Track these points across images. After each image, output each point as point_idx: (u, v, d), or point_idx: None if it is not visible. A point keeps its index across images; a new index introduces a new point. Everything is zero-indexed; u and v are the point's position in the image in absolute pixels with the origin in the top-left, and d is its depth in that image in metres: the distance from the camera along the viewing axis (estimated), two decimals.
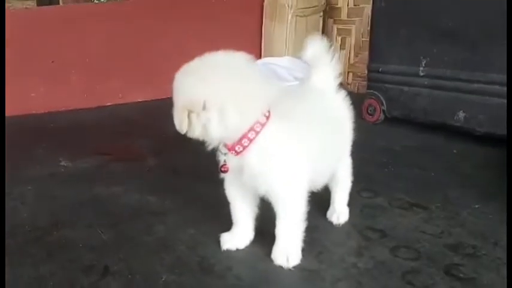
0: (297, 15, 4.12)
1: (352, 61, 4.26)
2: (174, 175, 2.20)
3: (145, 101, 3.92)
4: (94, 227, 1.66)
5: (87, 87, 3.76)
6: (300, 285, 1.34)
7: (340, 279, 1.34)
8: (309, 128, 1.38)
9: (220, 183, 1.46)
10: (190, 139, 1.29)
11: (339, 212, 1.68)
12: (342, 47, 4.30)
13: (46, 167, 2.32)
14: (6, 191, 1.77)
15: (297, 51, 3.66)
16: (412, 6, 2.82)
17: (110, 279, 1.34)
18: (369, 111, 3.11)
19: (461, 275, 1.36)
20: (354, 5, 4.17)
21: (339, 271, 1.38)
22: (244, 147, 1.29)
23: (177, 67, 1.29)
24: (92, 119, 3.42)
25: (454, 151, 2.53)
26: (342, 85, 1.63)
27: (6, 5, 3.47)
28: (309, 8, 4.17)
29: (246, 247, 1.50)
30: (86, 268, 1.40)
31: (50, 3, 4.40)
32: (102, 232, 1.63)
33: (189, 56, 1.30)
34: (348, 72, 4.28)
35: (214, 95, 1.21)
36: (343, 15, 4.27)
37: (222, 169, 1.37)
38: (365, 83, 3.30)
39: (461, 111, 2.64)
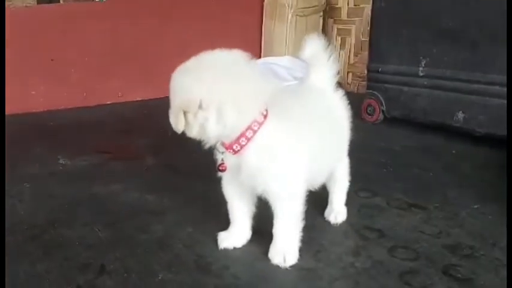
0: (297, 15, 4.12)
1: (351, 61, 4.25)
2: (173, 174, 2.20)
3: (145, 100, 3.92)
4: (91, 226, 1.66)
5: (86, 86, 3.76)
6: (297, 284, 1.33)
7: (338, 278, 1.34)
8: (307, 127, 1.38)
9: (219, 182, 1.46)
10: (189, 138, 1.29)
11: (337, 212, 1.68)
12: (342, 47, 4.30)
13: (45, 165, 2.31)
14: (5, 188, 1.76)
15: (296, 50, 3.65)
16: (412, 6, 2.82)
17: (106, 278, 1.33)
18: (368, 111, 3.11)
19: (459, 276, 1.35)
20: (354, 5, 4.16)
21: (336, 270, 1.37)
22: (242, 146, 1.28)
23: (176, 66, 1.29)
24: (92, 117, 3.42)
25: (453, 151, 2.53)
26: (341, 85, 1.63)
27: (7, 3, 3.47)
28: (309, 7, 4.16)
29: (244, 246, 1.50)
30: (83, 266, 1.39)
31: (50, 2, 4.39)
32: (99, 230, 1.62)
33: (189, 56, 1.30)
34: (348, 72, 4.28)
35: (211, 94, 1.20)
36: (343, 15, 4.26)
37: (220, 168, 1.36)
38: (365, 83, 3.30)
39: (461, 111, 2.64)
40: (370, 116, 3.10)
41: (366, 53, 3.39)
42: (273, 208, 1.38)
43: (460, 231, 1.62)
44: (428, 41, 2.75)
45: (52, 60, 3.60)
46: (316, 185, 1.51)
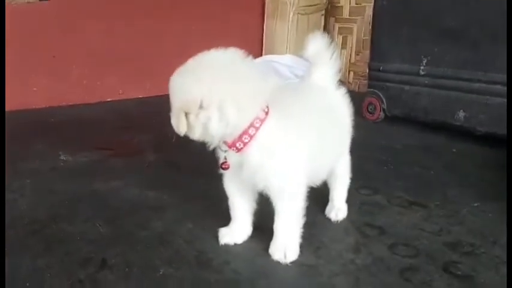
0: (298, 13, 4.12)
1: (353, 60, 4.26)
2: (174, 170, 2.20)
3: (146, 97, 3.92)
4: (92, 221, 1.66)
5: (88, 83, 3.76)
6: (297, 280, 1.34)
7: (338, 274, 1.34)
8: (308, 124, 1.38)
9: (219, 178, 1.46)
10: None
11: (338, 209, 1.68)
12: (343, 45, 4.30)
13: (46, 161, 2.31)
14: (6, 183, 1.76)
15: (298, 49, 3.67)
16: (413, 5, 2.82)
17: (107, 272, 1.34)
18: (369, 110, 3.11)
19: (459, 273, 1.36)
20: (356, 4, 4.17)
21: (336, 267, 1.38)
22: (245, 144, 1.29)
23: (177, 64, 1.29)
24: (92, 114, 3.42)
25: (454, 150, 2.54)
26: (342, 83, 1.63)
27: None
28: (311, 6, 4.17)
29: (244, 242, 1.50)
30: (84, 261, 1.39)
31: None
32: (100, 226, 1.62)
33: (190, 54, 1.30)
34: (349, 71, 4.29)
35: (211, 93, 1.20)
36: (345, 14, 4.27)
37: (223, 166, 1.37)
38: (366, 82, 3.31)
39: (462, 110, 2.64)
40: (371, 115, 3.11)
41: (367, 52, 3.40)
42: (274, 204, 1.38)
43: (461, 229, 1.63)
44: (429, 40, 2.75)
45: (53, 56, 3.60)
46: (317, 181, 1.51)
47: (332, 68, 1.56)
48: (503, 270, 1.37)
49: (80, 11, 3.66)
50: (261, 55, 4.31)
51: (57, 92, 3.61)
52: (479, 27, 2.52)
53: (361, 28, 4.14)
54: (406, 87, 2.92)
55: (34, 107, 3.47)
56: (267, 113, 1.29)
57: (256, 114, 1.27)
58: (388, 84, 3.01)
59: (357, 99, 3.15)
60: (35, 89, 3.54)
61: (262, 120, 1.28)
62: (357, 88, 4.19)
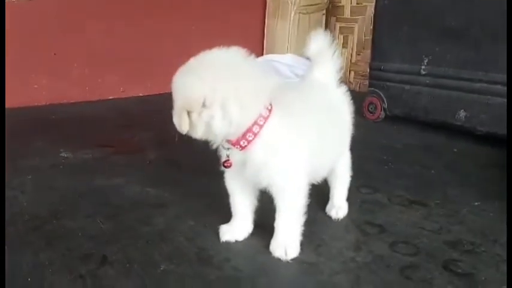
0: (299, 13, 4.13)
1: (354, 59, 4.26)
2: (175, 168, 2.21)
3: (147, 95, 3.93)
4: (93, 217, 1.66)
5: (89, 80, 3.76)
6: (298, 277, 1.34)
7: (338, 272, 1.34)
8: (311, 121, 1.38)
9: (221, 175, 1.46)
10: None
11: (338, 207, 1.68)
12: (344, 45, 4.30)
13: (47, 158, 2.32)
14: (6, 180, 1.77)
15: (299, 48, 3.67)
16: (414, 5, 2.83)
17: (108, 268, 1.34)
18: (370, 109, 3.11)
19: (459, 271, 1.36)
20: (357, 4, 4.17)
21: (337, 264, 1.38)
22: (249, 142, 1.29)
23: (178, 63, 1.29)
24: (93, 112, 3.42)
25: (455, 150, 2.54)
26: (343, 83, 1.64)
27: None
28: (312, 5, 4.17)
29: (245, 239, 1.50)
30: (85, 256, 1.40)
31: None
32: (101, 222, 1.63)
33: (191, 53, 1.30)
34: (350, 71, 4.29)
35: (213, 91, 1.20)
36: (346, 14, 4.27)
37: (225, 164, 1.37)
38: (366, 81, 3.31)
39: (462, 110, 2.64)
40: (371, 114, 3.11)
41: (368, 52, 3.40)
42: (275, 201, 1.38)
43: (461, 227, 1.63)
44: (430, 39, 2.75)
45: (55, 54, 3.60)
46: (318, 178, 1.52)
47: (334, 66, 1.57)
48: (504, 268, 1.37)
49: (81, 9, 3.67)
50: (262, 54, 4.31)
51: (58, 89, 3.62)
52: (480, 27, 2.52)
53: (362, 28, 4.14)
54: (407, 87, 2.92)
55: (35, 104, 3.47)
56: (270, 111, 1.30)
57: (260, 112, 1.27)
58: (388, 83, 3.02)
59: (357, 98, 3.16)
60: (36, 86, 3.55)
61: (265, 118, 1.28)
62: (357, 88, 4.19)
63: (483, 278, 1.32)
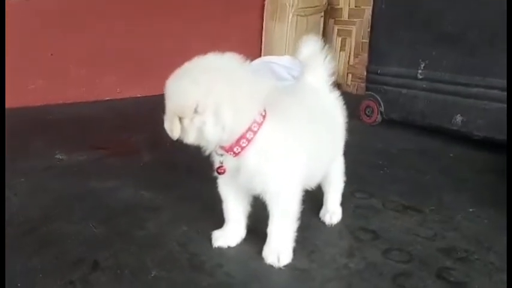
0: (297, 15, 4.12)
1: (351, 62, 4.26)
2: (170, 171, 2.19)
3: (143, 97, 3.92)
4: (86, 221, 1.65)
5: (85, 81, 3.75)
6: (289, 284, 1.33)
7: (331, 279, 1.33)
8: (305, 127, 1.38)
9: (215, 180, 1.46)
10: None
11: (332, 212, 1.68)
12: (342, 48, 4.30)
13: (41, 159, 2.31)
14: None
15: (297, 50, 3.65)
16: (412, 9, 2.82)
17: (99, 274, 1.33)
18: (367, 113, 3.11)
19: (452, 279, 1.35)
20: (355, 6, 4.17)
21: (329, 271, 1.37)
22: (243, 148, 1.28)
23: (176, 64, 1.28)
24: (90, 112, 3.41)
25: (451, 155, 2.54)
26: (340, 86, 1.64)
27: None
28: (310, 7, 4.17)
29: (238, 245, 1.49)
30: (76, 261, 1.39)
31: None
32: (94, 226, 1.62)
33: (189, 54, 1.30)
34: (348, 74, 4.29)
35: (207, 97, 1.19)
36: (344, 16, 4.27)
37: (219, 171, 1.36)
38: (364, 84, 3.30)
39: (459, 115, 2.64)
40: (368, 118, 3.10)
41: (365, 55, 3.40)
42: (268, 207, 1.37)
43: (455, 234, 1.62)
44: (427, 43, 2.75)
45: (51, 54, 3.59)
46: (312, 184, 1.51)
47: (326, 70, 1.57)
48: (497, 276, 1.37)
49: (78, 10, 3.65)
50: (260, 56, 4.31)
51: (55, 90, 3.60)
52: (478, 31, 2.52)
53: (360, 31, 4.14)
54: (404, 91, 2.91)
55: (32, 104, 3.46)
56: (264, 117, 1.29)
57: (254, 118, 1.27)
58: (385, 87, 3.01)
59: (355, 101, 3.17)
60: (32, 86, 3.53)
61: (259, 124, 1.27)
62: (355, 90, 4.19)
63: (476, 287, 1.32)
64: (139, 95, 3.93)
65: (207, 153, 1.35)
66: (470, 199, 1.92)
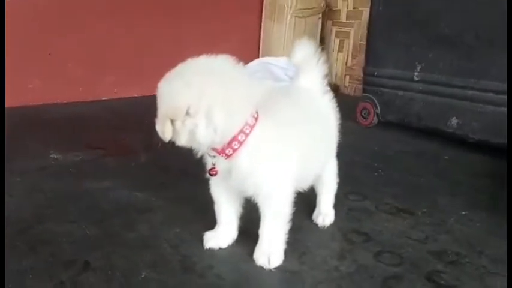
0: (295, 16, 4.12)
1: (349, 63, 4.26)
2: (165, 172, 2.20)
3: (141, 97, 3.91)
4: (79, 222, 1.65)
5: (83, 81, 3.75)
6: (279, 286, 1.34)
7: (321, 281, 1.33)
8: (297, 129, 1.38)
9: (208, 181, 1.46)
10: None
11: (324, 214, 1.68)
12: (340, 49, 4.30)
13: (36, 159, 2.31)
14: None
15: (290, 53, 3.66)
16: (408, 11, 2.83)
17: (90, 275, 1.33)
18: (363, 115, 3.11)
19: (442, 282, 1.35)
20: (353, 8, 4.17)
21: (320, 273, 1.37)
22: (235, 150, 1.28)
23: (173, 64, 1.28)
24: (87, 112, 3.41)
25: (446, 157, 2.54)
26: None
27: None
28: (308, 9, 4.17)
29: (229, 246, 1.50)
30: (67, 263, 1.39)
31: None
32: (86, 227, 1.62)
33: (187, 54, 1.30)
34: (345, 75, 4.29)
35: (199, 99, 1.19)
36: (342, 18, 4.27)
37: (211, 172, 1.36)
38: (361, 86, 3.30)
39: (455, 117, 2.64)
40: (364, 120, 3.10)
41: (363, 56, 3.39)
42: (260, 209, 1.38)
43: (447, 237, 1.62)
44: (424, 46, 2.76)
45: (49, 54, 3.59)
46: (304, 186, 1.52)
47: (319, 73, 1.57)
48: (488, 280, 1.37)
49: (76, 9, 3.66)
50: (258, 57, 4.31)
51: (52, 89, 3.60)
52: (474, 34, 2.52)
53: (358, 32, 4.13)
54: (400, 93, 2.92)
55: (29, 104, 3.46)
56: (256, 119, 1.29)
57: (246, 120, 1.27)
58: (382, 89, 3.01)
59: (351, 103, 3.18)
60: (30, 86, 3.54)
61: (251, 127, 1.28)
62: (352, 92, 4.19)
63: None
64: (136, 95, 3.93)
65: (199, 155, 1.35)
66: (463, 202, 1.92)
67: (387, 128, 3.03)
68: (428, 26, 2.73)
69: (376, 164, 2.36)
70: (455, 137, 2.68)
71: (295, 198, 1.40)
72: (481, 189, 2.08)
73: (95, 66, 3.77)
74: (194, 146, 1.30)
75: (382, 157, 2.51)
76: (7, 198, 1.84)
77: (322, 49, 1.60)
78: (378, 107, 3.03)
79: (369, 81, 3.11)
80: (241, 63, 1.32)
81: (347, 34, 4.25)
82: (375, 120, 3.06)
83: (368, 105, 3.07)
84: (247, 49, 4.37)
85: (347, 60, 4.27)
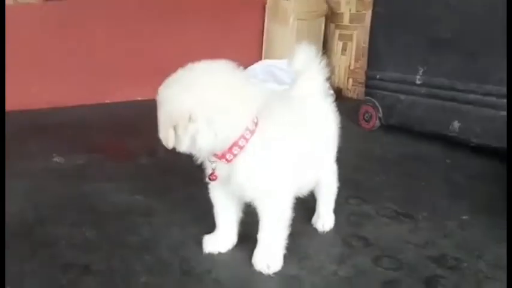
0: (298, 19, 4.12)
1: (352, 67, 4.25)
2: (165, 175, 2.20)
3: (144, 100, 3.92)
4: (79, 225, 1.67)
5: (86, 84, 3.77)
6: None
7: (319, 286, 1.34)
8: (297, 134, 1.39)
9: (208, 185, 1.46)
10: None
11: (324, 219, 1.68)
12: (343, 52, 4.30)
13: (39, 162, 2.33)
14: None
15: (291, 57, 3.66)
16: (411, 15, 2.82)
17: (89, 278, 1.34)
18: (365, 118, 3.10)
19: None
20: (356, 11, 4.16)
21: (318, 278, 1.38)
22: (235, 155, 1.28)
23: (178, 67, 1.29)
24: (90, 116, 3.43)
25: (448, 161, 2.53)
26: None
27: None
28: (311, 12, 4.17)
29: (229, 251, 1.50)
30: (66, 266, 1.40)
31: None
32: (86, 230, 1.63)
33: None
34: (348, 78, 4.28)
35: (200, 105, 1.20)
36: (345, 21, 4.26)
37: (211, 178, 1.36)
38: (364, 89, 3.30)
39: (457, 121, 2.63)
40: (366, 123, 3.10)
41: (366, 59, 3.39)
42: (259, 214, 1.38)
43: (447, 242, 1.62)
44: (426, 49, 2.75)
45: (52, 58, 3.61)
46: (304, 192, 1.52)
47: (319, 77, 1.56)
48: (486, 285, 1.37)
49: (80, 14, 3.68)
50: (261, 59, 4.31)
51: (55, 93, 3.62)
52: (476, 38, 2.52)
53: (361, 35, 4.12)
54: (402, 97, 2.91)
55: (32, 107, 3.48)
56: (256, 124, 1.29)
57: (246, 126, 1.27)
58: (384, 92, 3.01)
59: (354, 106, 3.18)
60: (33, 89, 3.55)
61: (252, 132, 1.28)
62: (355, 95, 4.19)
63: None
64: (141, 98, 3.94)
65: (199, 161, 1.36)
66: (464, 206, 1.91)
67: (389, 132, 3.02)
68: (431, 29, 2.72)
69: (377, 168, 2.36)
70: (458, 141, 2.67)
71: (295, 203, 1.40)
72: (482, 194, 2.07)
73: (98, 70, 3.79)
74: (195, 152, 1.30)
75: (384, 161, 2.50)
76: (8, 201, 1.85)
77: (325, 52, 1.60)
78: (380, 111, 3.02)
79: (371, 85, 3.10)
80: (241, 68, 1.33)
81: (350, 37, 4.25)
82: (377, 123, 3.06)
83: (370, 109, 3.07)
84: (250, 52, 4.38)
85: (350, 63, 4.27)
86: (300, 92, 1.55)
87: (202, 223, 1.60)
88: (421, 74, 2.80)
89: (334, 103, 1.62)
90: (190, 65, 1.29)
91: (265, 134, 1.30)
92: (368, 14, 3.84)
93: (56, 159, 2.39)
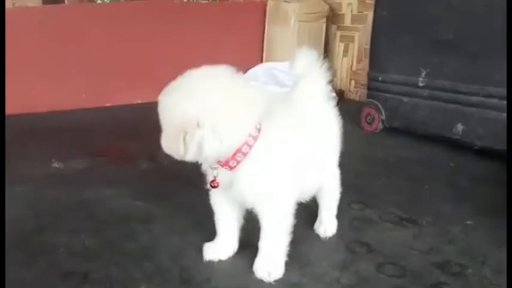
0: (299, 21, 4.10)
1: (354, 68, 4.23)
2: (166, 181, 2.18)
3: (144, 103, 3.90)
4: (78, 232, 1.65)
5: (86, 88, 3.76)
6: None
7: None
8: (300, 140, 1.37)
9: (209, 192, 1.44)
10: None
11: (326, 225, 1.66)
12: (345, 53, 4.27)
13: (38, 167, 2.31)
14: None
15: (292, 60, 3.63)
16: (413, 16, 2.80)
17: (88, 287, 1.32)
18: (368, 120, 3.08)
19: None
20: (358, 12, 4.14)
21: (320, 285, 1.36)
22: (239, 162, 1.27)
23: (178, 70, 1.27)
24: (90, 119, 3.42)
25: (451, 164, 2.50)
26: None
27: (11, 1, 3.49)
28: (312, 13, 4.14)
29: (229, 258, 1.48)
30: (65, 274, 1.38)
31: (55, 2, 4.39)
32: (85, 237, 1.61)
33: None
34: (350, 80, 4.26)
35: (204, 111, 1.18)
36: (347, 22, 4.24)
37: (212, 184, 1.34)
38: (366, 91, 3.27)
39: (460, 123, 2.61)
40: (369, 126, 3.08)
41: (368, 61, 3.36)
42: (261, 221, 1.36)
43: (451, 247, 1.60)
44: (429, 51, 2.72)
45: (52, 61, 3.60)
46: (306, 197, 1.50)
47: (321, 81, 1.54)
48: None
49: (80, 18, 3.67)
50: (262, 61, 4.30)
51: (55, 96, 3.61)
52: (477, 40, 2.49)
53: (362, 36, 4.10)
54: (405, 99, 2.89)
55: (32, 111, 3.47)
56: (259, 130, 1.27)
57: (250, 132, 1.25)
58: (387, 95, 2.98)
59: (356, 108, 3.15)
60: (34, 93, 3.55)
61: (255, 138, 1.26)
62: (358, 97, 4.16)
63: None
64: (140, 101, 3.92)
65: (203, 168, 1.34)
66: (468, 210, 1.89)
67: (392, 134, 3.00)
68: (433, 31, 2.70)
69: (380, 172, 2.34)
70: (461, 144, 2.64)
71: (297, 209, 1.38)
72: (486, 197, 2.05)
73: (98, 73, 3.78)
74: (201, 160, 1.28)
75: (387, 164, 2.48)
76: (8, 208, 1.83)
77: (327, 55, 1.58)
78: (383, 113, 3.00)
79: (373, 87, 3.08)
80: (240, 73, 1.31)
81: (352, 38, 4.22)
82: (380, 126, 3.03)
83: (373, 111, 3.05)
84: (251, 54, 4.36)
85: (352, 64, 4.24)
86: (302, 94, 1.54)
87: (203, 230, 1.59)
88: (423, 76, 2.77)
89: (337, 106, 1.60)
90: (189, 72, 1.26)
91: (267, 137, 1.28)
92: (370, 15, 3.82)
93: (56, 164, 2.37)
